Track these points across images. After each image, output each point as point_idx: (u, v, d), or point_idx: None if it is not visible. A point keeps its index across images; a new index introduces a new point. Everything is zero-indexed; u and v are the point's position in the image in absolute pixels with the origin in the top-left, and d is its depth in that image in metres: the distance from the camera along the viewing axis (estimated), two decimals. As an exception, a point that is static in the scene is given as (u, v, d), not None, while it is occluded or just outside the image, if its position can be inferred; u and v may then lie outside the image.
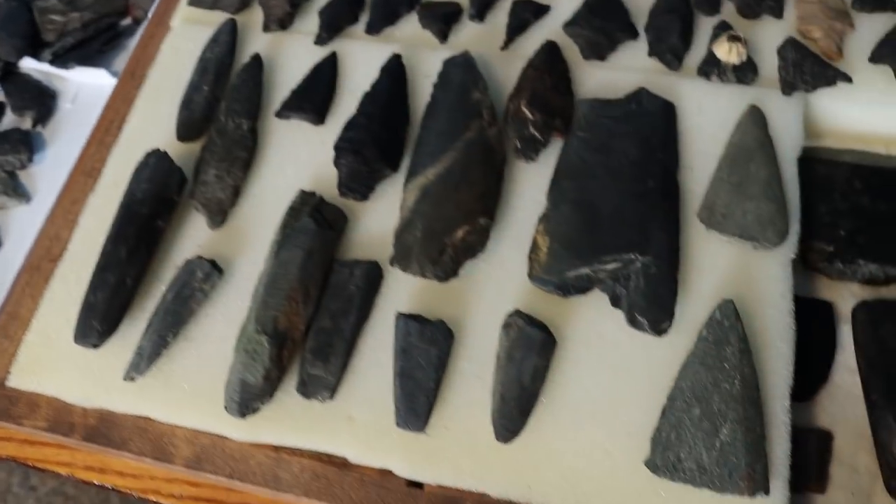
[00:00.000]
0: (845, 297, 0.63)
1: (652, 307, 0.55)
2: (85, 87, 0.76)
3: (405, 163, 0.62)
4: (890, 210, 0.63)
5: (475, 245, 0.58)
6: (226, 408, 0.55)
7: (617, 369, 0.55)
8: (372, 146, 0.62)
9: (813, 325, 0.61)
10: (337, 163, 0.62)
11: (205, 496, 0.60)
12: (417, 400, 0.54)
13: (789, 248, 0.58)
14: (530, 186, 0.61)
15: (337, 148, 0.62)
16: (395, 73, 0.66)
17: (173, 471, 0.58)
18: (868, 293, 0.63)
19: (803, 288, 0.64)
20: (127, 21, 0.79)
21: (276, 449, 0.55)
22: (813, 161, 0.66)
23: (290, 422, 0.55)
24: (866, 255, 0.62)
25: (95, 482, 0.61)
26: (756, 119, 0.62)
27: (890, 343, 0.59)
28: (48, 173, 0.72)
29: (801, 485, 0.53)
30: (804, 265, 0.64)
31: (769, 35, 0.67)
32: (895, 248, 0.62)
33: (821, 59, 0.65)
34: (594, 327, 0.56)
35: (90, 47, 0.77)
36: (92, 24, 0.77)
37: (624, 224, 0.58)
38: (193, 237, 0.62)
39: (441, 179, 0.59)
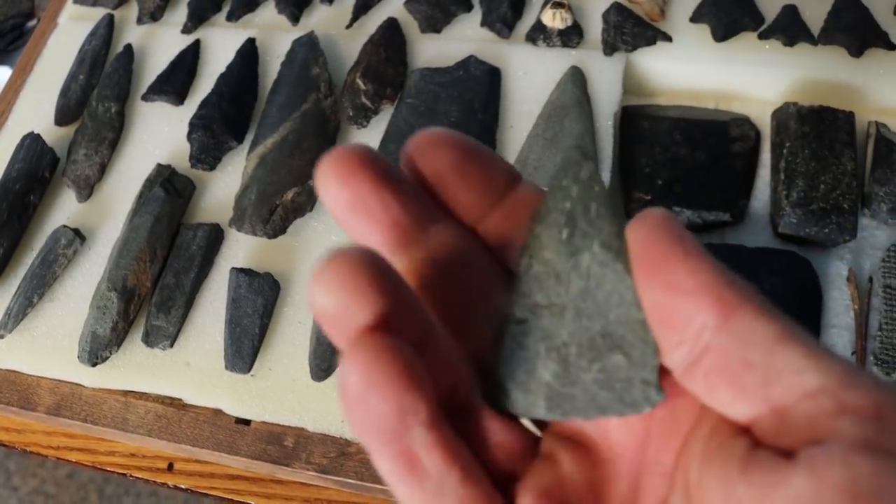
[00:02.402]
0: (667, 243, 0.66)
1: (458, 254, 0.59)
2: (-8, 84, 0.84)
3: (251, 135, 0.68)
4: (707, 159, 0.67)
5: (304, 205, 0.63)
6: (78, 357, 0.61)
7: (426, 312, 0.59)
8: (220, 121, 0.67)
9: (631, 269, 0.65)
10: (189, 137, 0.67)
11: (78, 446, 0.66)
12: (243, 345, 0.59)
13: (597, 197, 0.62)
14: (361, 150, 0.66)
15: (190, 124, 0.68)
16: (247, 56, 0.71)
17: (45, 421, 0.64)
18: (689, 239, 0.66)
19: (629, 237, 0.67)
20: (33, 22, 0.86)
21: (125, 394, 0.61)
22: (640, 117, 0.69)
23: (136, 368, 0.61)
24: (682, 202, 0.65)
25: (-18, 439, 0.67)
26: (575, 79, 0.66)
27: (697, 282, 0.62)
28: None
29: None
30: (627, 216, 0.67)
31: (598, 1, 0.71)
32: (711, 194, 0.66)
33: (642, 21, 0.69)
34: (408, 275, 0.61)
35: (-4, 47, 0.84)
36: (-2, 26, 0.84)
37: (440, 180, 0.62)
38: (64, 210, 0.68)
39: (277, 147, 0.65)
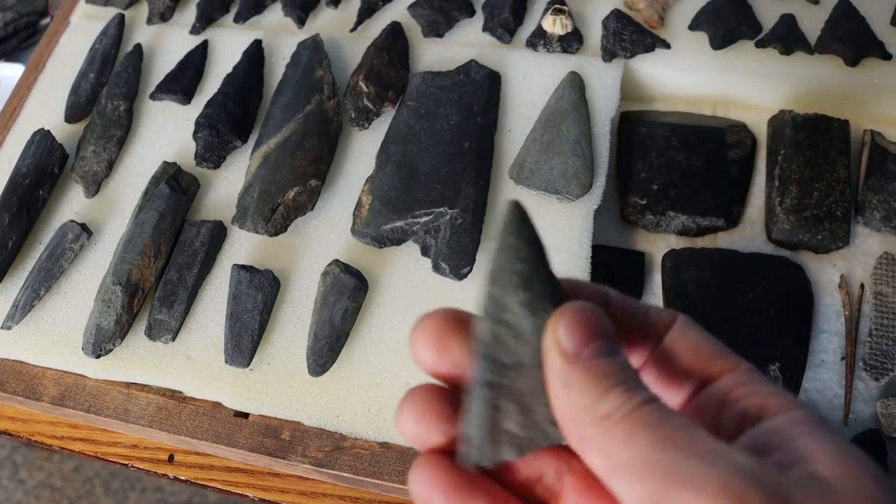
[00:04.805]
0: (662, 248, 0.67)
1: (454, 255, 0.61)
2: (5, 80, 0.86)
3: (255, 135, 0.69)
4: (702, 165, 0.68)
5: (305, 204, 0.65)
6: (83, 349, 0.62)
7: (422, 311, 0.60)
8: (226, 121, 0.69)
9: (626, 272, 0.66)
10: (195, 136, 0.69)
11: (81, 436, 0.67)
12: (243, 340, 0.61)
13: (592, 201, 0.63)
14: (362, 152, 0.68)
15: (196, 123, 0.69)
16: (253, 57, 0.73)
17: (50, 411, 0.66)
18: (684, 243, 0.67)
19: (625, 241, 0.68)
20: (46, 20, 0.88)
21: (128, 386, 0.63)
22: (638, 122, 0.70)
23: (138, 361, 0.62)
24: (676, 206, 0.66)
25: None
26: (573, 84, 0.68)
27: (689, 287, 0.63)
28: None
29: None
30: (623, 220, 0.68)
31: (598, 8, 0.72)
32: (705, 200, 0.67)
33: (641, 28, 0.70)
34: (405, 274, 0.62)
35: (9, 44, 0.86)
36: (12, 22, 0.86)
37: (438, 181, 0.64)
38: (72, 205, 0.70)
39: (280, 147, 0.66)
